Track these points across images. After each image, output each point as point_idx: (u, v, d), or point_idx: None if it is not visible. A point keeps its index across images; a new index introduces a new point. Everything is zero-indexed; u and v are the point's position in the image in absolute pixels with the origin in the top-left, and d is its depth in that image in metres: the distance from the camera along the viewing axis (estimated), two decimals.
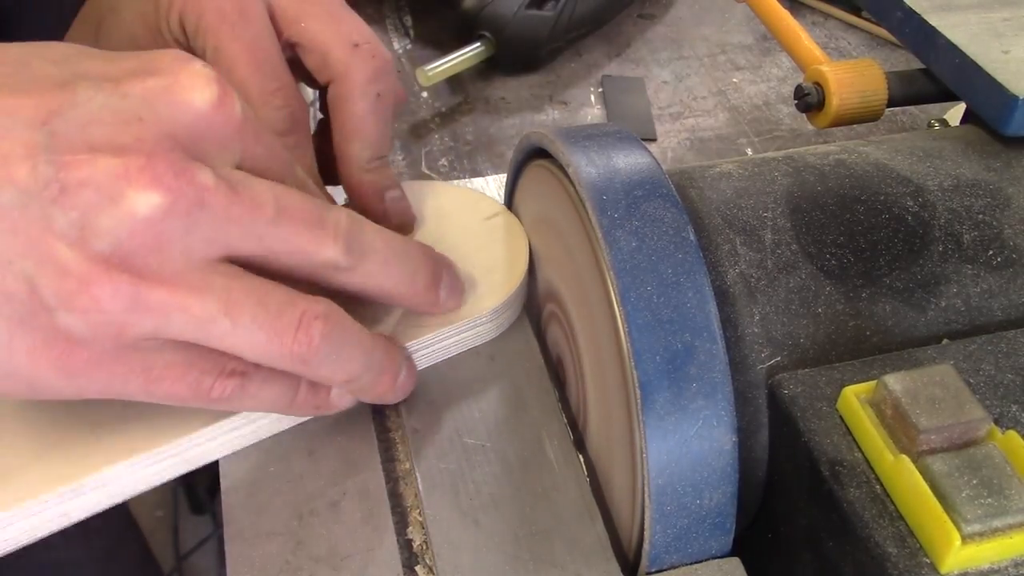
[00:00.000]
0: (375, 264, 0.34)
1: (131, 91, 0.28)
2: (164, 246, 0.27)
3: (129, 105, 0.27)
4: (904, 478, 0.30)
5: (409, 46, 0.76)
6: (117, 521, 0.86)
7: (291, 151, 0.38)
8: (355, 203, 0.42)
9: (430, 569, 0.35)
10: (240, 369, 0.31)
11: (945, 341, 0.37)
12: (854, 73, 0.47)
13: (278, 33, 0.40)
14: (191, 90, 0.28)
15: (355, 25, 0.41)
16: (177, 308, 0.28)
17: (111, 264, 0.27)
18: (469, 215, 0.45)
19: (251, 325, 0.29)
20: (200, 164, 0.28)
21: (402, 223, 0.43)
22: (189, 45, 0.39)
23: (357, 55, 0.40)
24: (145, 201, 0.26)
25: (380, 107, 0.41)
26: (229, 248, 0.29)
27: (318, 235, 0.31)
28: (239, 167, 0.30)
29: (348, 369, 0.34)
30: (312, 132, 0.42)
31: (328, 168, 0.43)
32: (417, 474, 0.37)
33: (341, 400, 0.36)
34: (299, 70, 0.42)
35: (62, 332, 0.27)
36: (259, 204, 0.29)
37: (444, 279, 0.38)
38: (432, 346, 0.40)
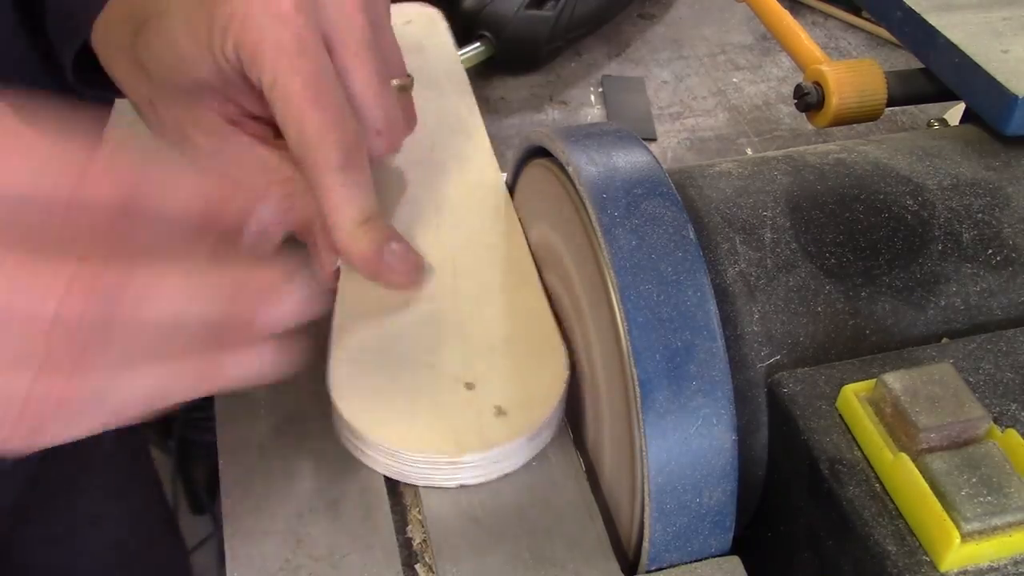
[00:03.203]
0: None
1: None
2: None
3: None
4: (903, 476, 0.30)
5: None
6: (150, 483, 0.87)
7: (348, 188, 0.37)
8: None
9: (430, 568, 0.35)
10: None
11: (945, 340, 0.37)
12: (854, 73, 0.47)
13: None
14: None
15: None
16: None
17: None
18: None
19: None
20: None
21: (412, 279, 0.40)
22: (243, 72, 0.38)
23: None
24: None
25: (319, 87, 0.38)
26: None
27: None
28: None
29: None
30: None
31: None
32: None
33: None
34: None
35: None
36: None
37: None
38: None
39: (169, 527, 0.95)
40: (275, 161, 0.40)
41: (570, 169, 0.36)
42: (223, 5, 0.36)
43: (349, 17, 0.38)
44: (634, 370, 0.32)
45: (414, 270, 0.40)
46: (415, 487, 0.37)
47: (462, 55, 0.70)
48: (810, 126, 0.49)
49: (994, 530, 0.29)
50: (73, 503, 0.69)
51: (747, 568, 0.33)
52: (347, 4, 0.38)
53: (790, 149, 0.44)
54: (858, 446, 0.32)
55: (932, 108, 0.67)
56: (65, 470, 0.67)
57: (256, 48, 0.36)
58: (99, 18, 0.41)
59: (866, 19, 0.78)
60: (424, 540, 0.36)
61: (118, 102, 0.49)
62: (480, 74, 0.73)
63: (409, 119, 0.43)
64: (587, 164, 0.36)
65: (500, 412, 0.37)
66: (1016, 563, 0.29)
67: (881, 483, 0.31)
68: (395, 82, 0.41)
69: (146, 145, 0.43)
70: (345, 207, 0.38)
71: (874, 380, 0.32)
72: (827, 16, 0.81)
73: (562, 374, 0.38)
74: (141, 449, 0.86)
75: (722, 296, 0.37)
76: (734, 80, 0.74)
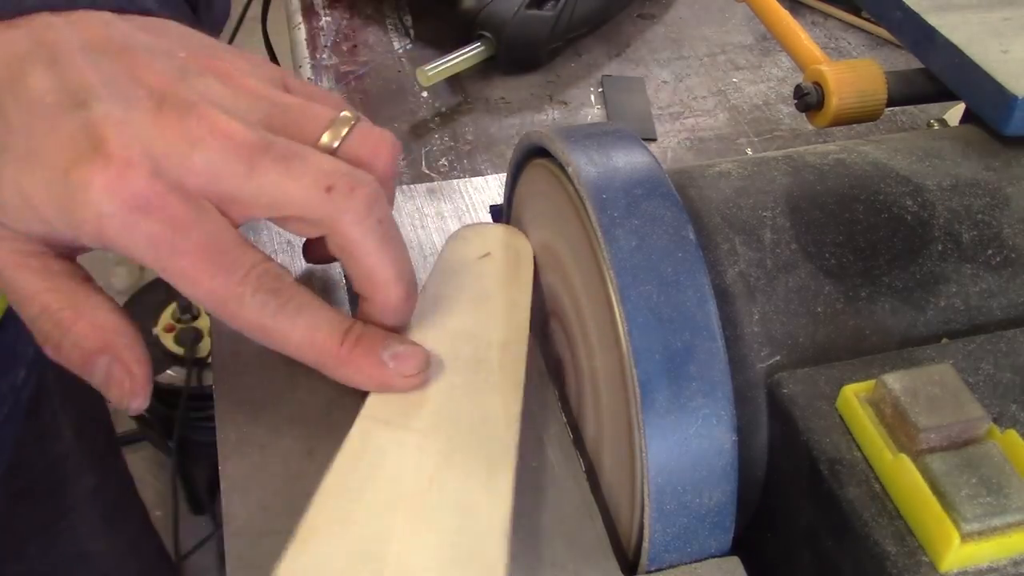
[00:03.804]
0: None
1: None
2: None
3: None
4: (903, 477, 0.30)
5: (409, 46, 0.76)
6: (138, 518, 0.88)
7: (292, 319, 0.35)
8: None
9: None
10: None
11: (944, 340, 0.37)
12: (853, 73, 0.47)
13: (234, 221, 0.35)
14: None
15: (316, 165, 0.35)
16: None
17: None
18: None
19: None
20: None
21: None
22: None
23: (335, 197, 0.34)
24: None
25: (385, 237, 0.36)
26: None
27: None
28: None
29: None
30: None
31: None
32: None
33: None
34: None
35: None
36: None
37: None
38: None
39: (159, 556, 0.96)
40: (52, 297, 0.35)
41: (570, 169, 0.36)
42: (87, 169, 0.32)
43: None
44: (634, 370, 0.32)
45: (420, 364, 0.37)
46: None
47: (462, 55, 0.70)
48: (810, 126, 0.50)
49: (994, 530, 0.29)
50: (54, 542, 0.69)
51: (747, 568, 0.34)
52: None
53: (790, 149, 0.44)
54: (858, 446, 0.32)
55: (932, 108, 0.67)
56: (42, 510, 0.67)
57: (131, 249, 0.33)
58: None
59: (866, 19, 0.78)
60: None
61: None
62: (480, 74, 0.73)
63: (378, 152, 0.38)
64: (587, 164, 0.36)
65: None
66: (1016, 563, 0.29)
67: (881, 483, 0.31)
68: (344, 114, 0.37)
69: None
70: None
71: (874, 380, 0.32)
72: (827, 16, 0.81)
73: None
74: (126, 482, 0.86)
75: (722, 296, 0.37)
76: (734, 80, 0.74)
